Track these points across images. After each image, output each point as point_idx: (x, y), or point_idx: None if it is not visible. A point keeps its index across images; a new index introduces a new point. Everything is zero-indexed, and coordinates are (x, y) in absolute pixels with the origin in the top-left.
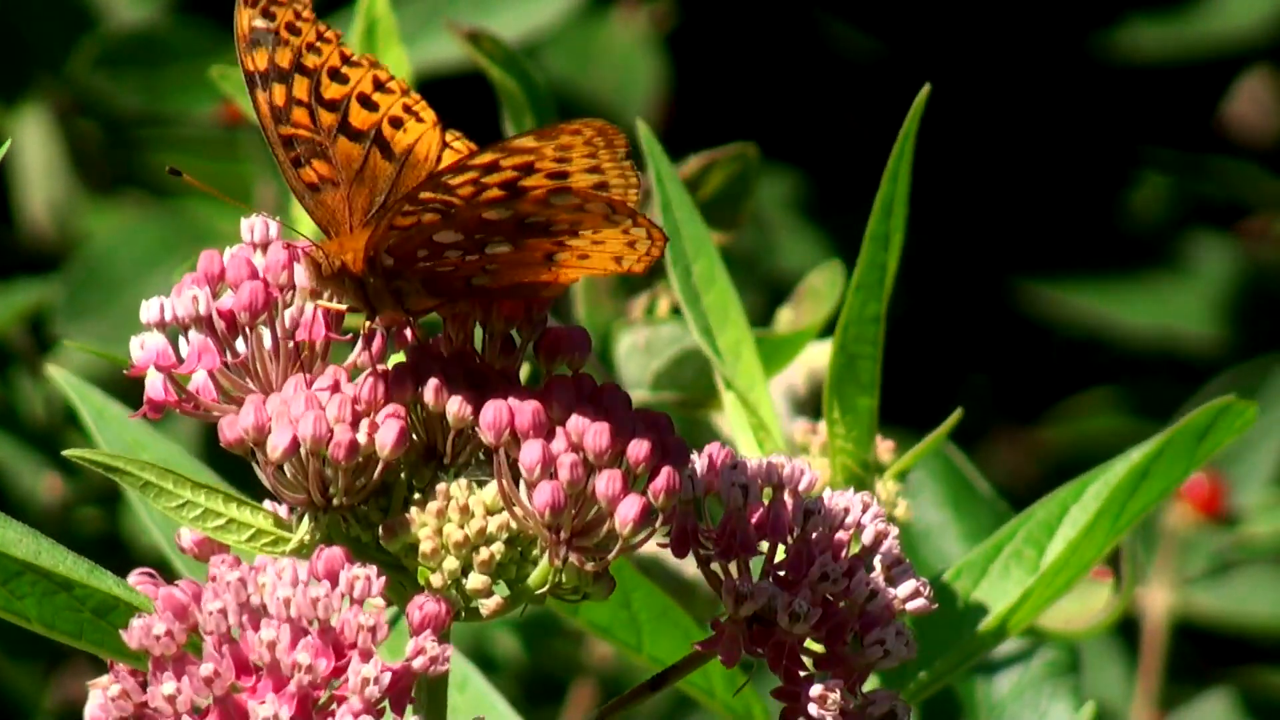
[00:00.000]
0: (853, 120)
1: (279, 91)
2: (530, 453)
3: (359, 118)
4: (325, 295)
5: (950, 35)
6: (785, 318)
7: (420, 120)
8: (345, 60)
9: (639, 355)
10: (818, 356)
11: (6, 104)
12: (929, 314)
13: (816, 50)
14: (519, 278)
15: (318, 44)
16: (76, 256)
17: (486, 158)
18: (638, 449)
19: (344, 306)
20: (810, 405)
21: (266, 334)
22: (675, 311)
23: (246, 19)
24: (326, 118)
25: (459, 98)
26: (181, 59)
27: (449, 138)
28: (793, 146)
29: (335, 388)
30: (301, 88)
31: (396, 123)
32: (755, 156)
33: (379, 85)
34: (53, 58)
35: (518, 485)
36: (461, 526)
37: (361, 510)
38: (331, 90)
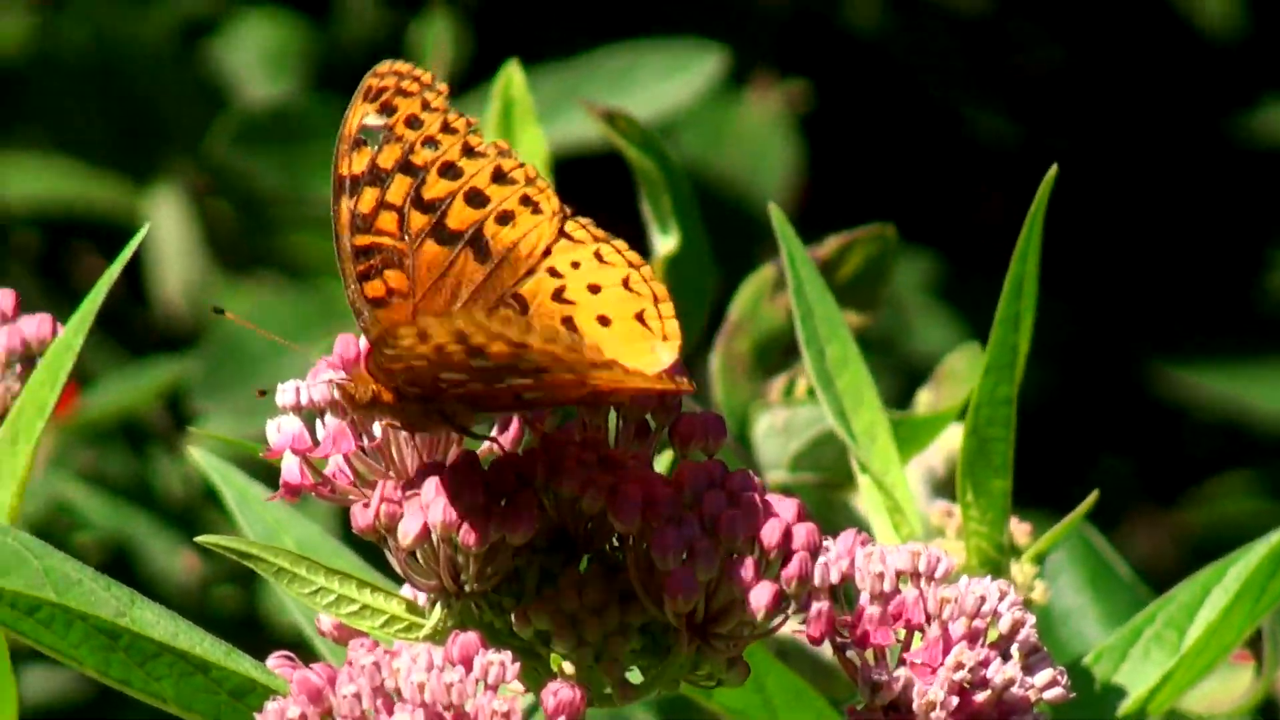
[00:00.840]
0: (989, 202)
1: (369, 196)
2: (663, 540)
3: (459, 217)
4: (373, 420)
5: (1087, 119)
6: (924, 400)
7: (537, 212)
8: (467, 152)
9: (777, 437)
10: (956, 438)
11: (141, 183)
12: (1065, 396)
13: (952, 133)
14: (566, 396)
15: (439, 136)
16: (212, 335)
17: (405, 341)
18: (771, 535)
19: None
20: (949, 487)
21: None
22: (814, 393)
23: (358, 116)
24: (418, 221)
25: (596, 177)
26: (316, 136)
27: (571, 227)
28: (929, 228)
29: (467, 473)
30: (399, 190)
31: (505, 218)
32: (893, 237)
33: (499, 176)
34: (187, 136)
35: (650, 572)
36: (594, 613)
37: (494, 596)
38: (436, 188)
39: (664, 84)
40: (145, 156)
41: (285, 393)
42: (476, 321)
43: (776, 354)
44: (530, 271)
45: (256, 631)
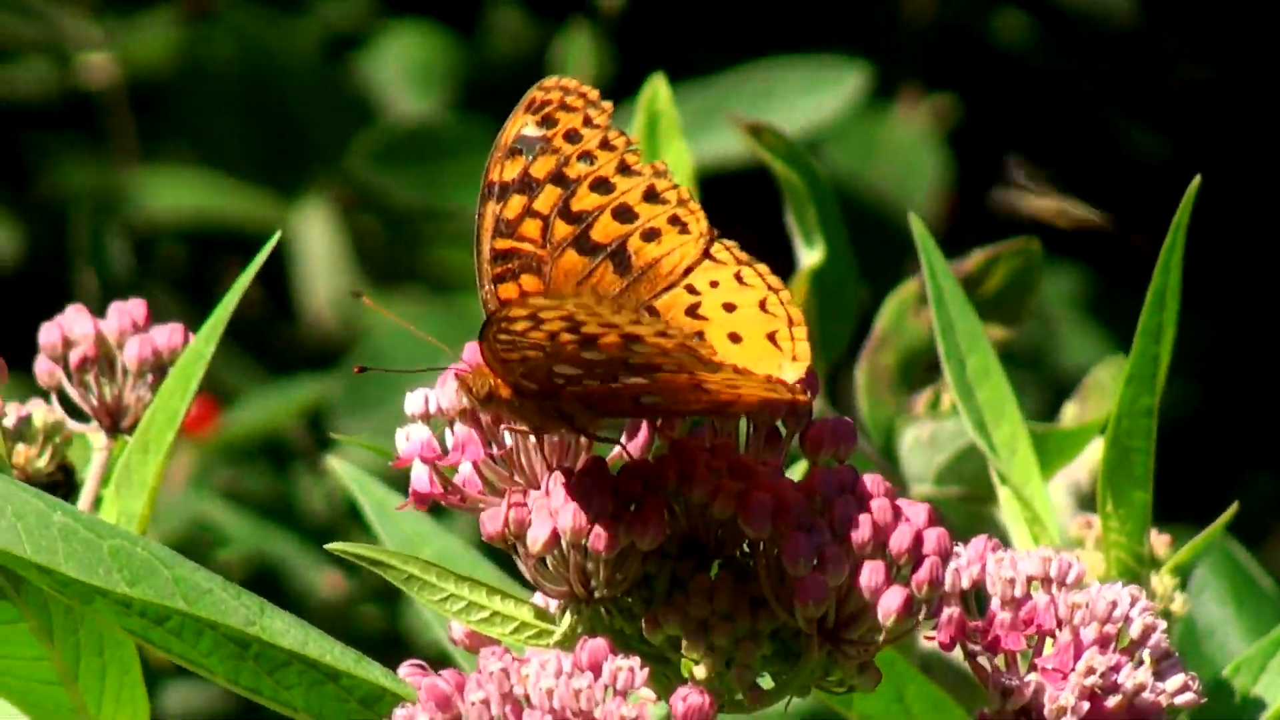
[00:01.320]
0: (1137, 215)
1: (516, 203)
2: (793, 545)
3: (605, 230)
4: (491, 416)
5: (1235, 132)
6: (1070, 413)
7: (684, 232)
8: (622, 169)
9: (923, 450)
10: (1100, 451)
11: (287, 197)
12: (1209, 410)
13: (1100, 146)
14: (685, 402)
15: (596, 152)
16: (357, 351)
17: (519, 325)
18: (901, 540)
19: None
20: (1093, 499)
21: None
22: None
23: (517, 126)
24: (562, 230)
25: (740, 192)
26: (459, 153)
27: (716, 249)
28: (1078, 242)
29: (596, 479)
30: (547, 199)
31: (651, 234)
32: (1039, 251)
33: (651, 195)
34: (333, 150)
35: (781, 577)
36: (725, 619)
37: (624, 602)
38: (586, 201)
39: (808, 99)
40: (291, 171)
41: (414, 401)
42: (589, 307)
43: (921, 367)
44: (668, 287)
45: (400, 649)
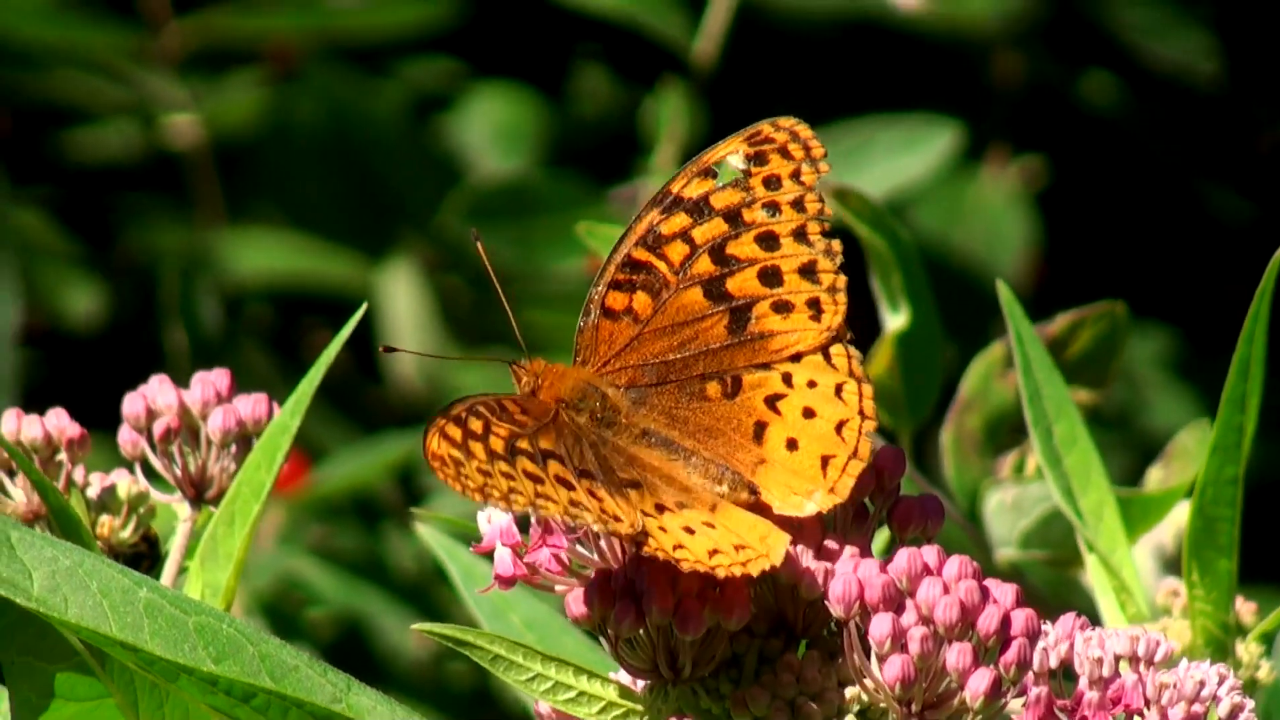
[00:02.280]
0: (1225, 278)
1: (677, 221)
2: (880, 626)
3: (741, 284)
4: None
5: None
6: (1155, 477)
7: (815, 319)
8: (798, 234)
9: (1007, 513)
10: (1185, 515)
11: (374, 258)
12: None
13: (1188, 209)
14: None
15: (784, 207)
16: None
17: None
18: (988, 621)
19: None
20: (1178, 563)
21: None
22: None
23: (727, 149)
24: (702, 266)
25: None
26: (549, 213)
27: (836, 351)
28: (1166, 304)
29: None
30: (708, 231)
31: (784, 307)
32: (1124, 315)
33: (806, 270)
34: (420, 211)
35: (868, 657)
36: (812, 699)
37: (711, 682)
38: (744, 249)
39: (897, 160)
40: (377, 231)
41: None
42: (600, 508)
43: (1007, 431)
44: (767, 364)
45: (489, 707)
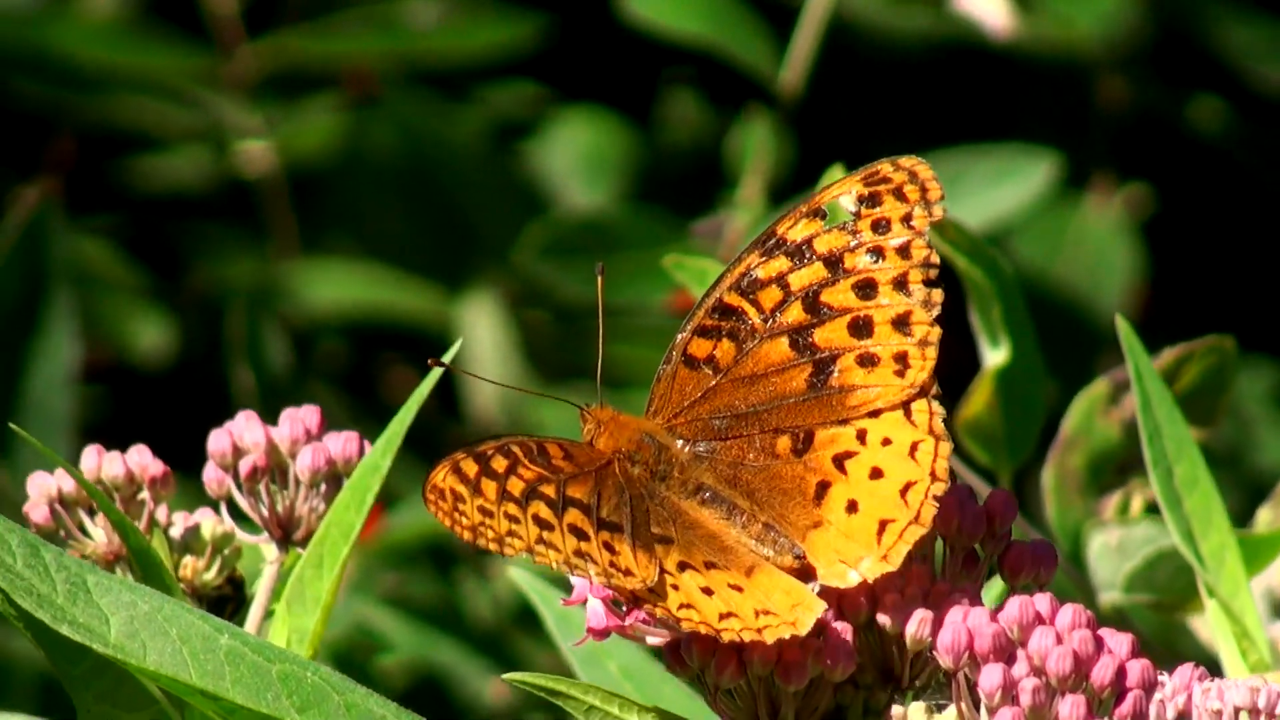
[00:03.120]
0: None
1: (776, 265)
2: (990, 678)
3: (830, 336)
4: None
5: None
6: (1264, 517)
7: (900, 375)
8: (899, 284)
9: (1111, 556)
10: None
11: (453, 291)
12: None
13: None
14: None
15: (889, 253)
16: None
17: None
18: (1103, 672)
19: None
20: None
21: None
22: (1149, 509)
23: (842, 189)
24: (793, 316)
25: None
26: (632, 247)
27: (917, 407)
28: (1274, 339)
29: None
30: (805, 277)
31: (869, 361)
32: (1233, 349)
33: (900, 322)
34: (501, 242)
35: (978, 710)
36: None
37: None
38: (839, 298)
39: (994, 190)
40: (457, 263)
41: None
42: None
43: (1111, 470)
44: (843, 420)
45: None
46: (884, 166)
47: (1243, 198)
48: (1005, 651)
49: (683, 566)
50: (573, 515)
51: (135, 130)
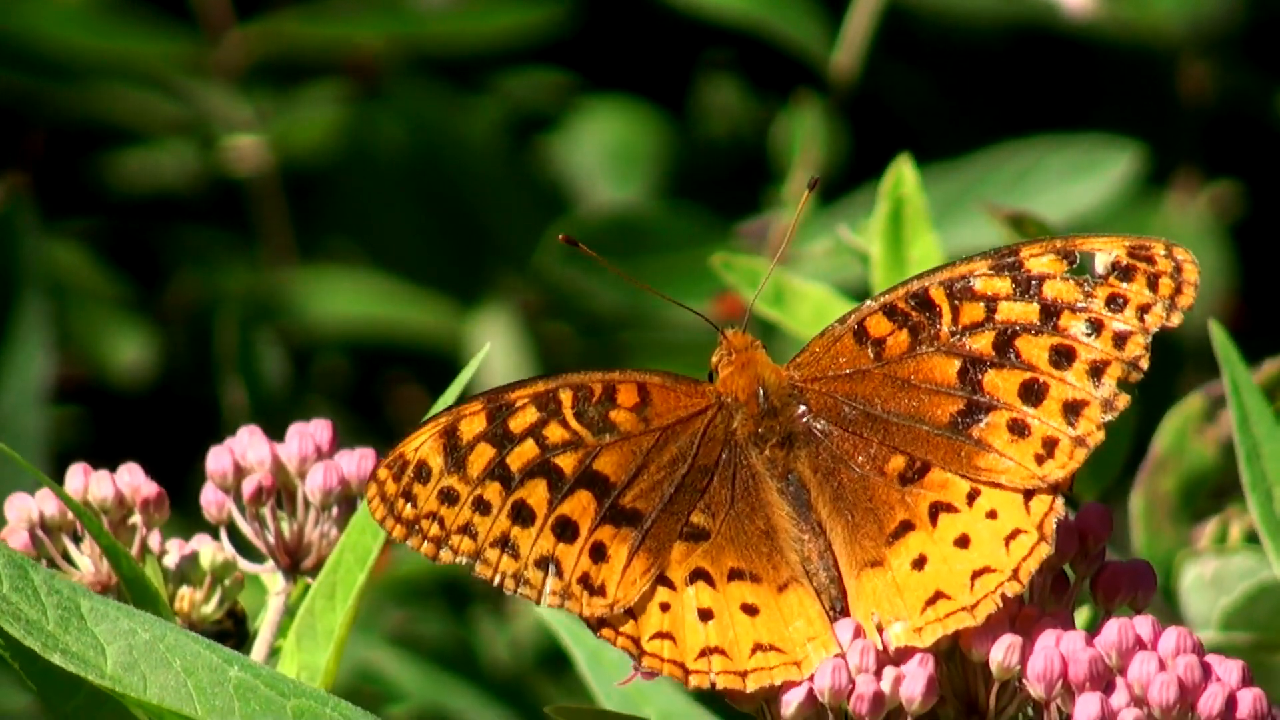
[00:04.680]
0: None
1: (998, 284)
2: (1087, 708)
3: (998, 383)
4: None
5: None
6: None
7: (1039, 460)
8: (1095, 370)
9: (1206, 589)
10: None
11: (467, 303)
12: None
13: None
14: None
15: (1107, 333)
16: None
17: None
18: (1211, 702)
19: None
20: None
21: None
22: (1250, 539)
23: (1115, 253)
24: (981, 342)
25: None
26: (667, 249)
27: (1040, 499)
28: None
29: (858, 632)
30: (1018, 311)
31: (1020, 429)
32: None
33: (1071, 408)
34: (520, 247)
35: None
36: None
37: None
38: (1035, 352)
39: (1070, 185)
40: (470, 271)
41: None
42: None
43: (1205, 494)
44: (964, 474)
45: None
46: (1156, 247)
47: None
48: (1103, 679)
49: (696, 576)
50: (578, 501)
51: (113, 123)
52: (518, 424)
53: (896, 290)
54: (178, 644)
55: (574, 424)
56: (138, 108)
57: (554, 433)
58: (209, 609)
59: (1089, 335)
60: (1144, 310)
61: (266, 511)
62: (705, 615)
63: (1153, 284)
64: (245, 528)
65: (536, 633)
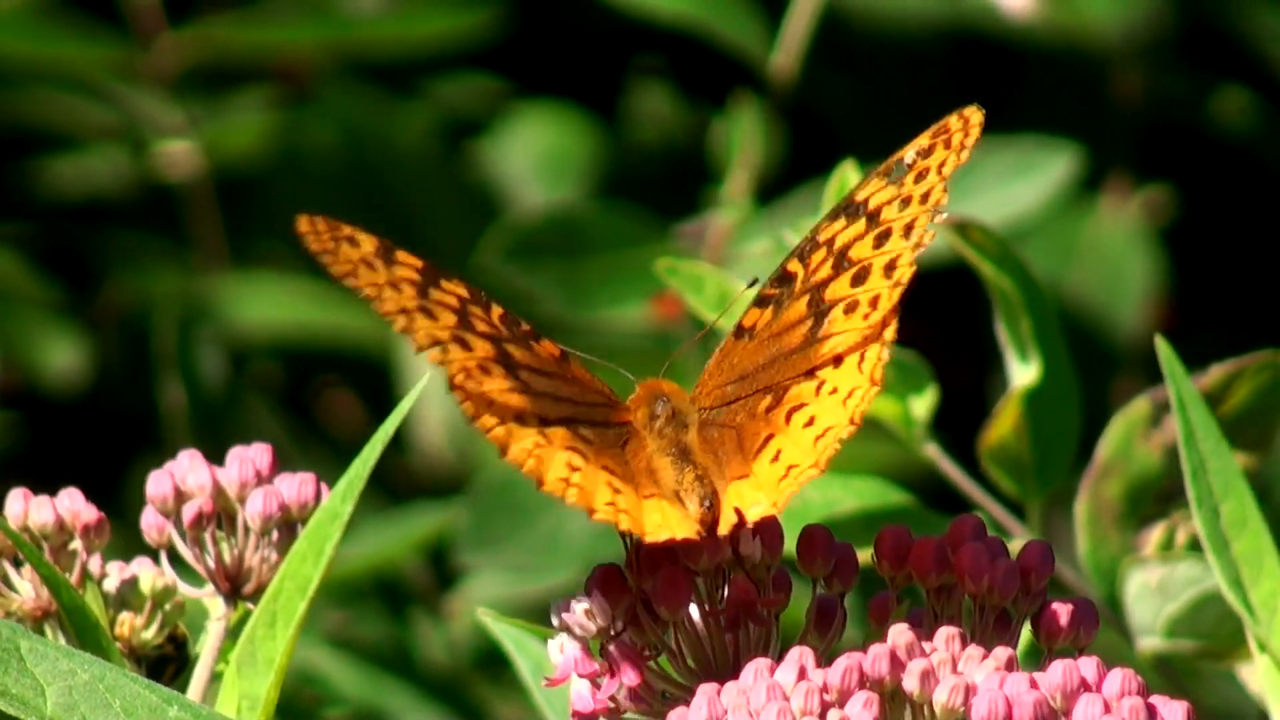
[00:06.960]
0: None
1: (837, 225)
2: None
3: (836, 289)
4: None
5: None
6: None
7: (867, 316)
8: (907, 229)
9: (1151, 597)
10: None
11: None
12: None
13: None
14: None
15: (915, 200)
16: (480, 481)
17: None
18: None
19: None
20: None
21: (696, 615)
22: (1195, 545)
23: (912, 148)
24: (823, 271)
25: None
26: (605, 250)
27: (871, 352)
28: None
29: (801, 674)
30: (850, 232)
31: (851, 309)
32: None
33: (890, 268)
34: (453, 251)
35: None
36: None
37: None
38: (860, 251)
39: (1007, 188)
40: None
41: (564, 612)
42: None
43: (1151, 501)
44: (811, 372)
45: None
46: (952, 119)
47: (1272, 200)
48: None
49: (571, 450)
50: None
51: (43, 128)
52: (449, 289)
53: (766, 284)
54: (117, 684)
55: (497, 324)
56: (69, 112)
57: (478, 316)
58: (149, 635)
59: (901, 210)
60: (941, 166)
61: (207, 536)
62: (572, 469)
63: (948, 144)
64: (185, 552)
65: (474, 634)
